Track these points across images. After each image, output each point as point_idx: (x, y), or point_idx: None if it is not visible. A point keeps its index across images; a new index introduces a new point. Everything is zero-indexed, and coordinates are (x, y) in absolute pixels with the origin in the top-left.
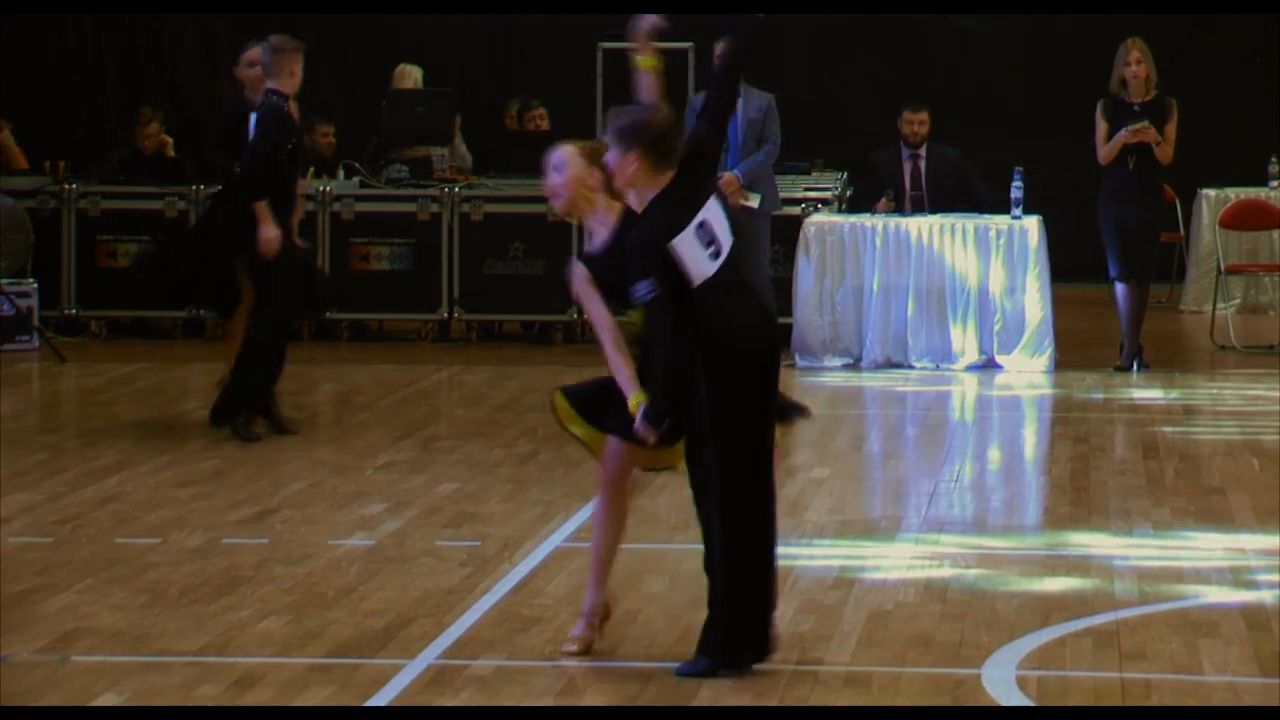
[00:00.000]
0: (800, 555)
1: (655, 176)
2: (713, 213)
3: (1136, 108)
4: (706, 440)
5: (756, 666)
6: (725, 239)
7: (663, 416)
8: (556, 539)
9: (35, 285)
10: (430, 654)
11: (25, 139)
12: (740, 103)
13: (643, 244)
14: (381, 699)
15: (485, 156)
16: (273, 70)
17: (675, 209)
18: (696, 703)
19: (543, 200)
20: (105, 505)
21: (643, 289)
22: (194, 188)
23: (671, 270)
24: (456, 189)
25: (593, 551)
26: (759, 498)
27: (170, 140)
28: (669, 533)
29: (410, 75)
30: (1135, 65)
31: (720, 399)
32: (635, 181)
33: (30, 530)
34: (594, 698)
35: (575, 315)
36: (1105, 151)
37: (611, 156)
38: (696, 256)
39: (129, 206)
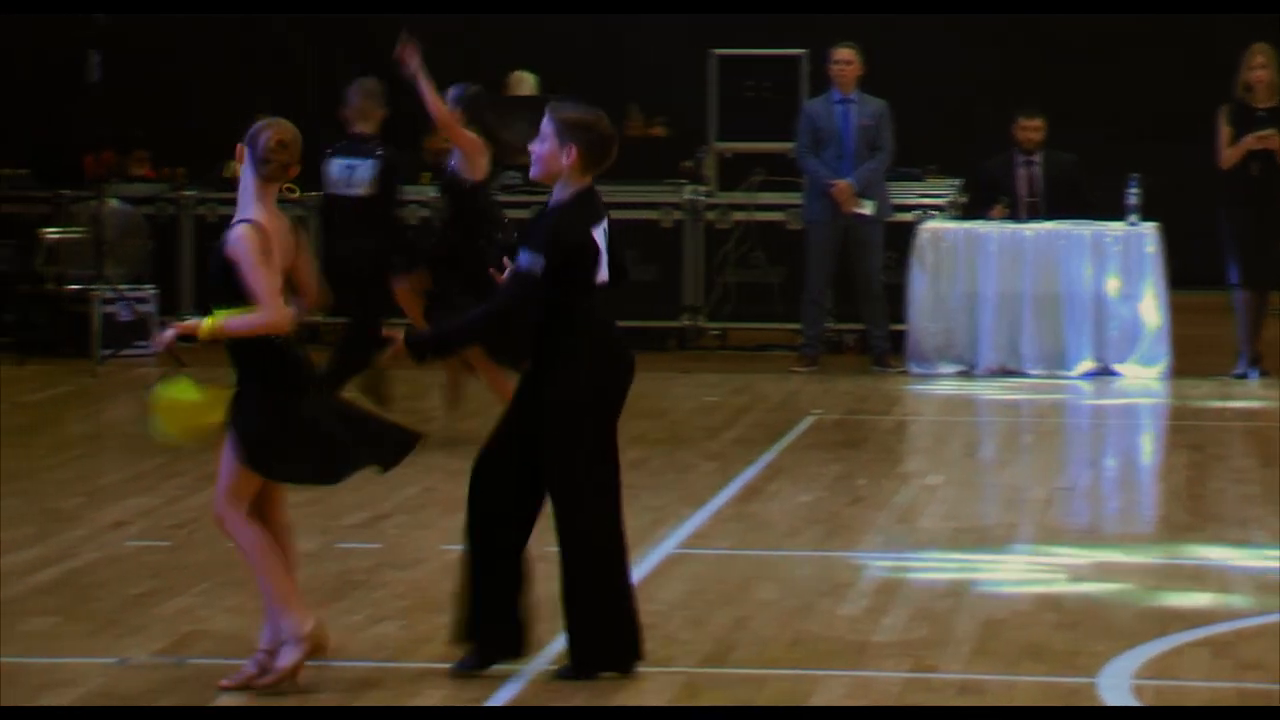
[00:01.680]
0: (913, 563)
1: (582, 176)
2: (604, 230)
3: (1261, 113)
4: (552, 432)
5: (871, 673)
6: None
7: (427, 352)
8: (668, 545)
9: (154, 291)
10: (542, 660)
11: (145, 146)
12: (853, 109)
13: (568, 223)
14: (497, 701)
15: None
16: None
17: (593, 207)
18: (810, 704)
19: (656, 206)
20: None
21: (530, 260)
22: (312, 194)
23: (584, 259)
24: None
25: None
26: (599, 498)
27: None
28: (779, 539)
29: (525, 82)
30: (1260, 70)
31: (585, 392)
32: (561, 174)
33: (148, 534)
34: (708, 702)
35: (687, 321)
36: (1227, 156)
37: (544, 145)
38: (604, 258)
39: None
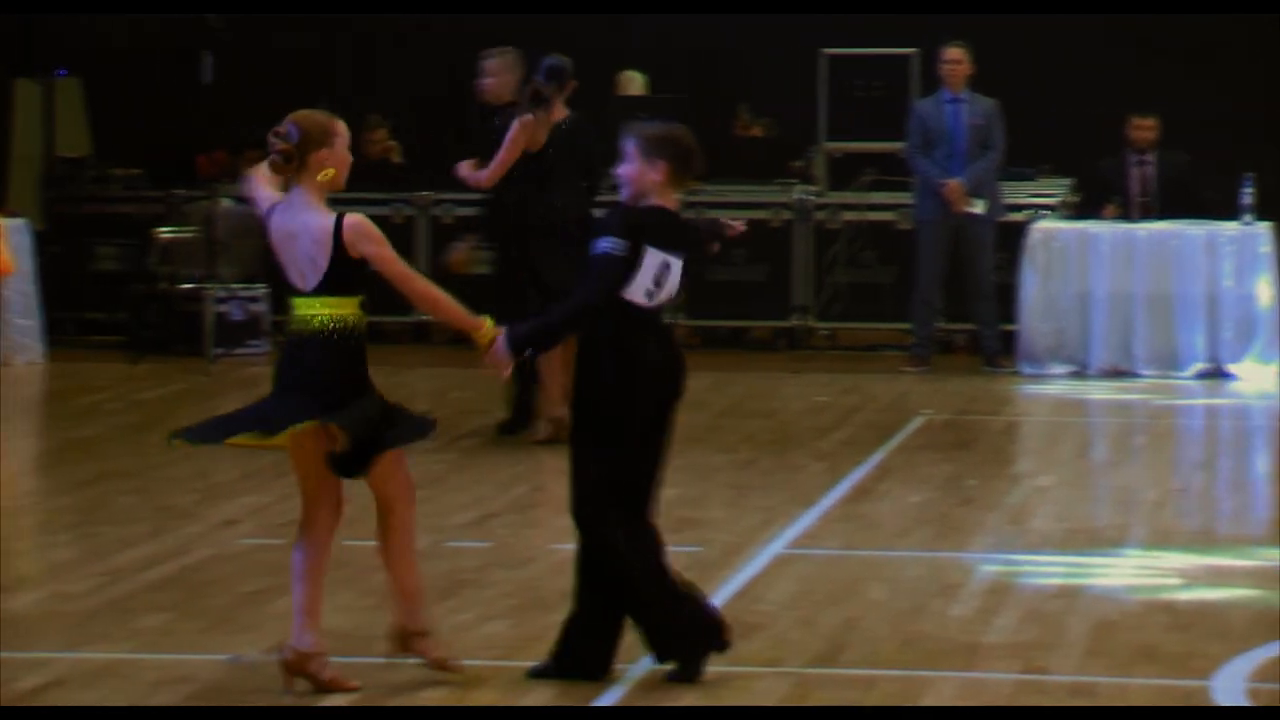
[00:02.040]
0: (1024, 564)
1: (669, 193)
2: (676, 268)
3: None
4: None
5: (982, 674)
6: (670, 293)
7: (525, 348)
8: (778, 545)
9: (266, 290)
10: (648, 660)
11: (256, 146)
12: (964, 108)
13: (628, 219)
14: (605, 701)
15: (713, 163)
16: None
17: (665, 229)
18: (922, 704)
19: (766, 206)
20: None
21: (608, 244)
22: (421, 194)
23: (627, 266)
24: (678, 195)
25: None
26: (625, 515)
27: (396, 146)
28: (890, 540)
29: (634, 81)
30: None
31: (611, 420)
32: (651, 191)
33: (260, 532)
34: (817, 702)
35: (797, 321)
36: None
37: (632, 165)
38: (647, 279)
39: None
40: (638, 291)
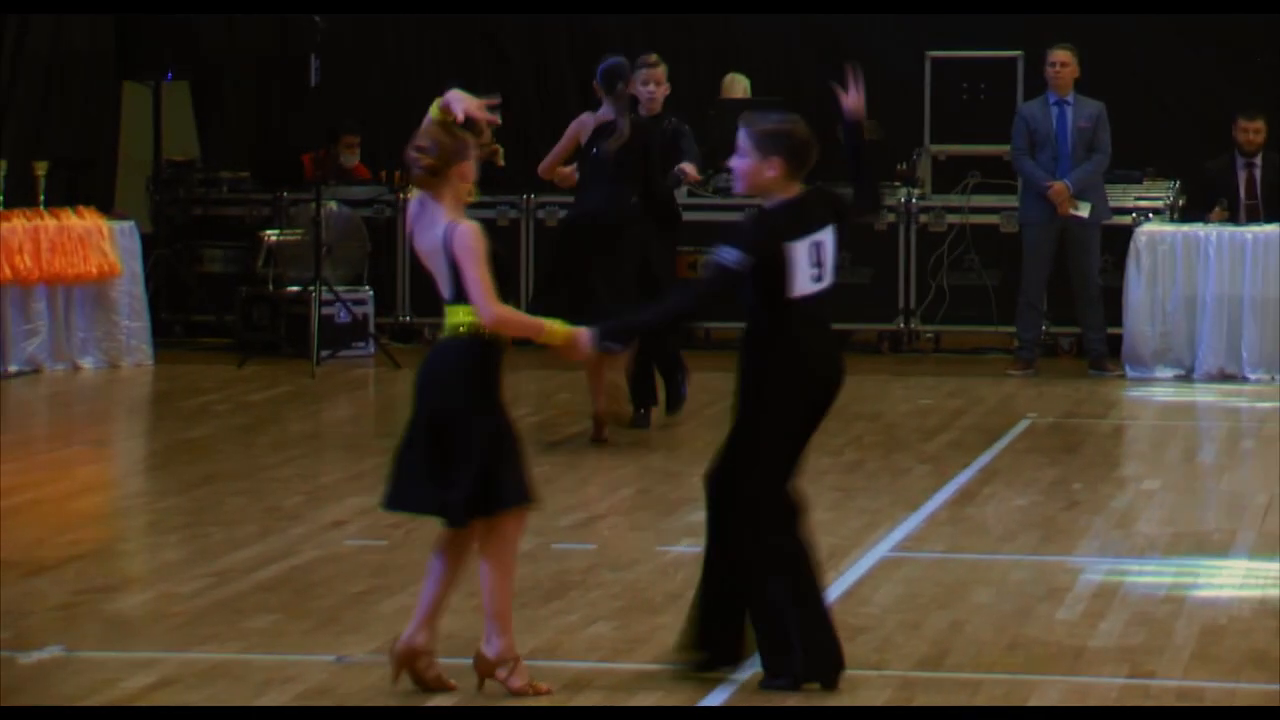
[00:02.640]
0: (1131, 568)
1: (788, 185)
2: (828, 240)
3: None
4: (739, 451)
5: (1089, 678)
6: (830, 270)
7: (614, 339)
8: (883, 548)
9: (371, 293)
10: (755, 662)
11: (364, 148)
12: (1070, 110)
13: (761, 228)
14: (711, 702)
15: (818, 166)
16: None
17: (799, 218)
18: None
19: None
20: None
21: (729, 254)
22: (524, 197)
23: (774, 270)
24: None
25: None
26: (778, 512)
27: (500, 149)
28: (996, 543)
29: (739, 84)
30: None
31: (771, 415)
32: (770, 187)
33: (366, 533)
34: (923, 702)
35: (902, 324)
36: None
37: (745, 160)
38: (803, 269)
39: None
40: (803, 283)
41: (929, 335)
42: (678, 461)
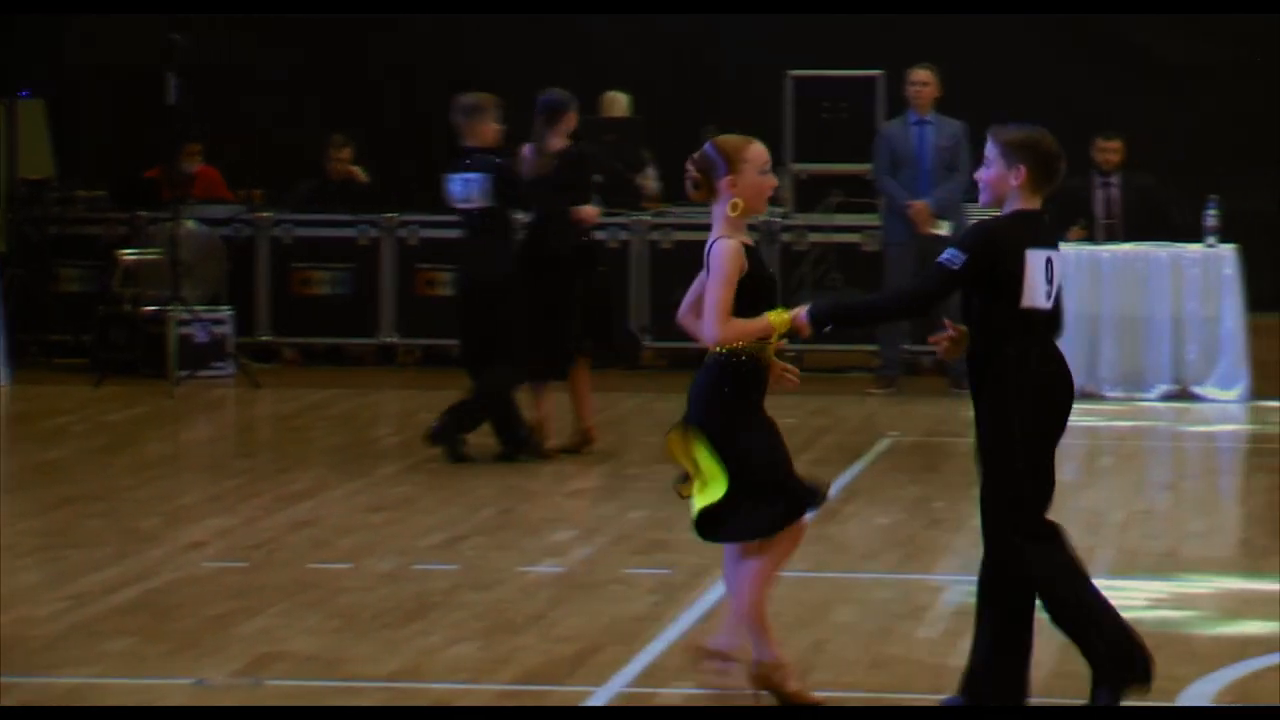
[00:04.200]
0: None
1: (1031, 197)
2: (1058, 259)
3: None
4: (982, 458)
5: (947, 696)
6: (1058, 287)
7: (826, 322)
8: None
9: (230, 312)
10: (619, 682)
11: (222, 166)
12: (930, 130)
13: (985, 231)
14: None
15: (681, 184)
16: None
17: (1036, 229)
18: None
19: None
20: (299, 530)
21: (953, 255)
22: (386, 216)
23: (1012, 277)
24: (647, 217)
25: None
26: (1039, 523)
27: (358, 169)
28: (858, 562)
29: (619, 102)
30: None
31: (1011, 419)
32: (1012, 196)
33: (226, 555)
34: None
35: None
36: None
37: (991, 170)
38: (1038, 281)
39: (323, 234)
40: (1037, 295)
41: (792, 354)
42: (540, 481)
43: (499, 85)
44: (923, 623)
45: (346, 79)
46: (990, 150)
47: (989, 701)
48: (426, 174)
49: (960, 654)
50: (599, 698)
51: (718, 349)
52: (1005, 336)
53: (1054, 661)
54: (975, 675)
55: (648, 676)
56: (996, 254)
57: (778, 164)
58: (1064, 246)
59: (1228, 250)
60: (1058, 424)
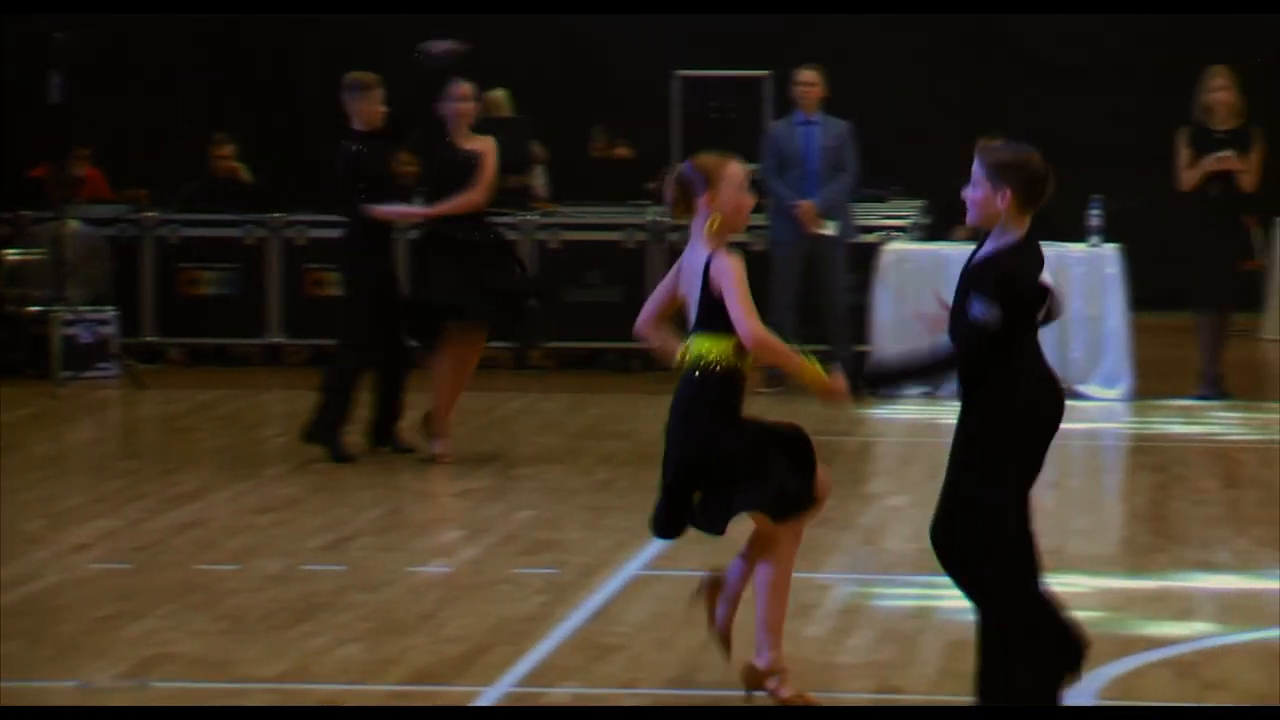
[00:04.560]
0: (878, 584)
1: (1019, 217)
2: (1051, 280)
3: (1220, 135)
4: (977, 462)
5: (838, 694)
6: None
7: (880, 386)
8: (634, 566)
9: (115, 313)
10: (508, 681)
11: (106, 166)
12: (817, 130)
13: (1022, 278)
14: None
15: (569, 184)
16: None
17: (1040, 260)
18: None
19: (620, 228)
20: (185, 531)
21: (987, 312)
22: (273, 216)
23: (1034, 302)
24: (535, 216)
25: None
26: (1023, 548)
27: (241, 166)
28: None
29: (499, 101)
30: (1219, 92)
31: (1013, 427)
32: (999, 219)
33: (111, 556)
34: None
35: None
36: (1188, 178)
37: (978, 191)
38: (1038, 311)
39: (208, 234)
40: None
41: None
42: (429, 482)
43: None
44: (811, 621)
45: (230, 77)
46: (977, 170)
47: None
48: (312, 173)
49: (849, 651)
50: (488, 697)
51: (698, 366)
52: (1015, 350)
53: (941, 660)
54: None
55: (537, 676)
56: (1022, 300)
57: (664, 164)
58: (948, 247)
59: (1111, 250)
60: (1046, 441)
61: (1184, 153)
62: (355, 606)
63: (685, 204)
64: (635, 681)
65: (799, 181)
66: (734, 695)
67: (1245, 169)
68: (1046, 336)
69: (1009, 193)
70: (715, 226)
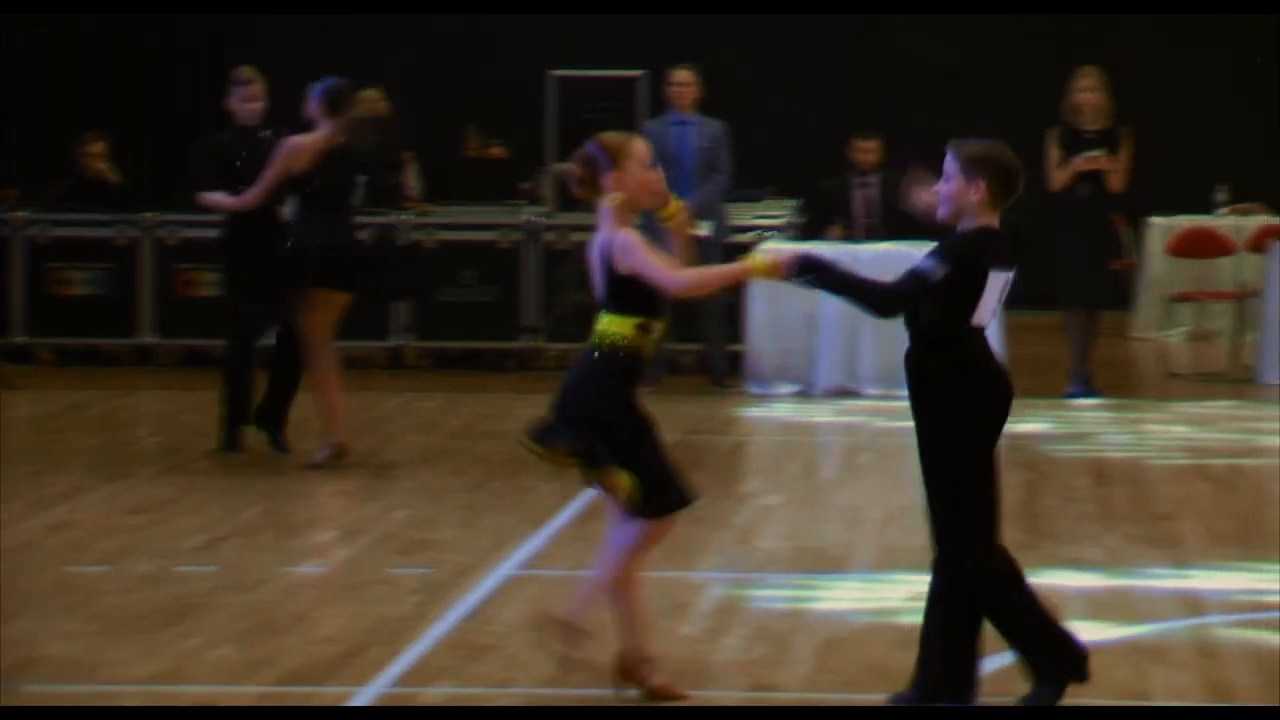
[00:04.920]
0: (752, 583)
1: (991, 212)
2: (1009, 278)
3: (1089, 135)
4: (927, 461)
5: (712, 692)
6: (999, 312)
7: (811, 271)
8: (508, 566)
9: None
10: (382, 682)
11: None
12: (691, 130)
13: (978, 250)
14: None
15: (443, 183)
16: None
17: (999, 250)
18: None
19: (495, 228)
20: (56, 533)
21: (934, 267)
22: (144, 215)
23: (971, 291)
24: (410, 216)
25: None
26: (980, 536)
27: (107, 167)
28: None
29: (370, 99)
30: (1088, 93)
31: (959, 423)
32: (971, 211)
33: None
34: None
35: (527, 342)
36: (1058, 178)
37: (950, 184)
38: (991, 301)
39: (79, 234)
40: (985, 313)
41: (554, 353)
42: (302, 482)
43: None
44: (685, 620)
45: (102, 76)
46: (949, 165)
47: (945, 699)
48: (185, 173)
49: (723, 649)
50: (362, 698)
51: (599, 345)
52: (951, 349)
53: (815, 658)
54: (930, 673)
55: (412, 676)
56: (971, 270)
57: (539, 164)
58: (824, 247)
59: None
60: (998, 432)
61: (1053, 153)
62: (228, 607)
63: (591, 184)
64: (509, 681)
65: (673, 182)
66: (608, 695)
67: (1114, 169)
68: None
69: (983, 185)
70: (617, 203)
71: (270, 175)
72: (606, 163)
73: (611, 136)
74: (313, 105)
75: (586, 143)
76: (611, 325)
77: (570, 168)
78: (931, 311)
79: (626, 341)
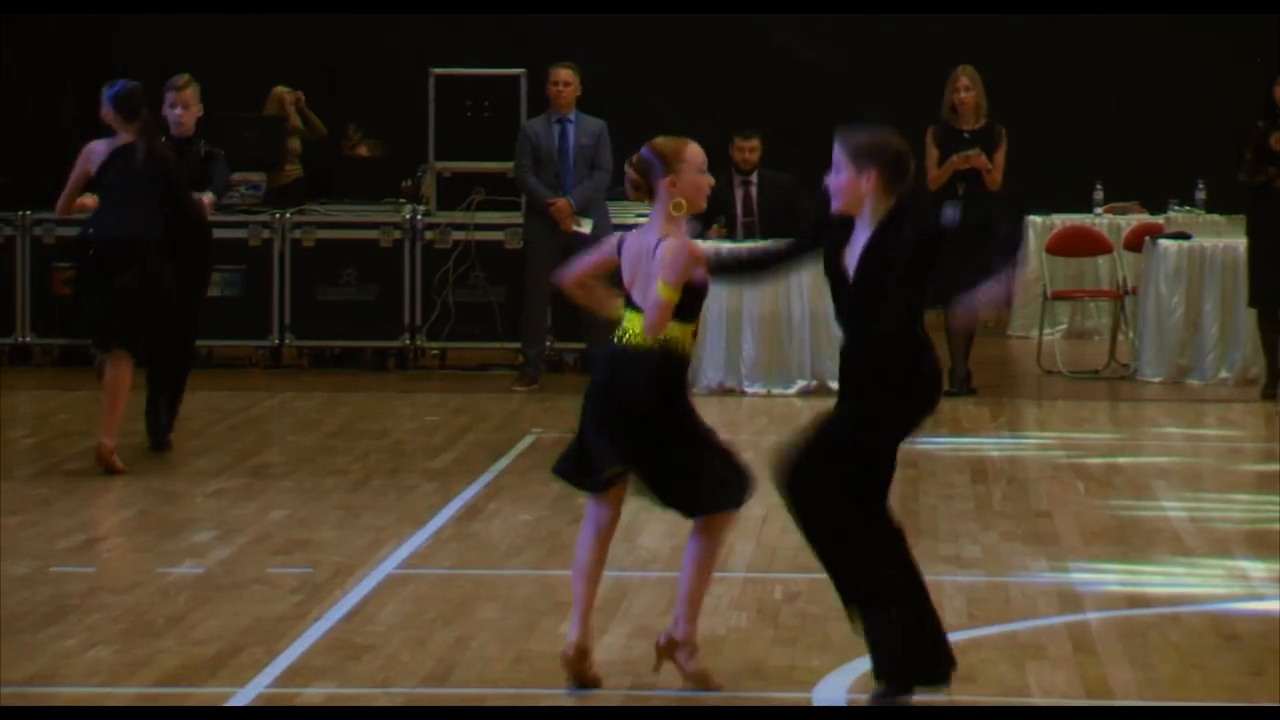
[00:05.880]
0: (634, 581)
1: (884, 199)
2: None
3: (966, 134)
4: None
5: (592, 690)
6: None
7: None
8: (388, 566)
9: None
10: (261, 682)
11: None
12: (572, 128)
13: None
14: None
15: (322, 182)
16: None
17: (917, 217)
18: None
19: (375, 226)
20: None
21: (952, 213)
22: (21, 214)
23: (930, 264)
24: (288, 215)
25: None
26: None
27: None
28: (502, 559)
29: (279, 98)
30: (965, 92)
31: (887, 408)
32: (867, 199)
33: None
34: None
35: (407, 341)
36: (935, 177)
37: (841, 175)
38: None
39: None
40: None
41: (435, 352)
42: (179, 482)
43: (139, 80)
44: (566, 619)
45: None
46: (838, 155)
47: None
48: (61, 171)
49: (603, 648)
50: (241, 698)
51: (656, 340)
52: (916, 323)
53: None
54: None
55: (290, 676)
56: (932, 234)
57: (420, 161)
58: (705, 245)
59: None
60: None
61: (931, 151)
62: (105, 608)
63: (647, 187)
64: (389, 681)
65: (554, 179)
66: (490, 694)
67: (991, 167)
68: (802, 333)
69: (874, 174)
70: (681, 210)
71: (70, 180)
72: (661, 168)
73: (665, 142)
74: (105, 110)
75: (641, 148)
76: (676, 332)
77: (626, 171)
78: (902, 274)
79: (685, 348)
